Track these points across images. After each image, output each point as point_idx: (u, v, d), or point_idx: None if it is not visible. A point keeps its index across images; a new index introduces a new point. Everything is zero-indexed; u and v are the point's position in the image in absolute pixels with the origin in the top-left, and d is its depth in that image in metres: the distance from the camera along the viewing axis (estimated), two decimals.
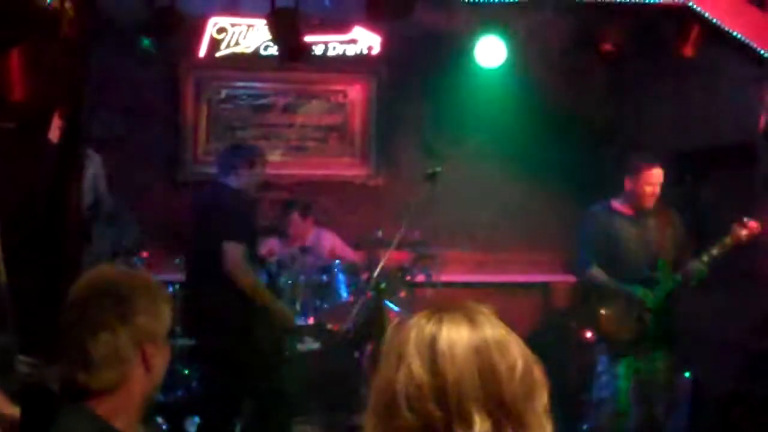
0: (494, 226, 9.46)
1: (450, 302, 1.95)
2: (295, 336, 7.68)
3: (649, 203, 6.76)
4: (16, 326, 3.56)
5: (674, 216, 6.90)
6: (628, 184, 6.79)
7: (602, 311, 6.82)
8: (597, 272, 6.82)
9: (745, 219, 6.56)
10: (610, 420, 6.84)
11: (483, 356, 1.82)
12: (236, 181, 6.77)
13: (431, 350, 1.84)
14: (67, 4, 5.19)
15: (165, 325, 2.64)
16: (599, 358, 6.88)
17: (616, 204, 6.90)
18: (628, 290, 6.71)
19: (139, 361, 2.57)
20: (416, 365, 1.84)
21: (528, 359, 1.86)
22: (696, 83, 8.34)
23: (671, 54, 7.46)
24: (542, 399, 1.85)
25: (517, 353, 1.85)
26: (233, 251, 6.49)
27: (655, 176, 6.71)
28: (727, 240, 6.55)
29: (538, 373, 1.87)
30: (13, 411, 3.37)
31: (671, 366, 6.85)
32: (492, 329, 1.86)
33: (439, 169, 6.51)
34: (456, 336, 1.84)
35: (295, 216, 8.62)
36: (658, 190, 6.73)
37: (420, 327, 1.88)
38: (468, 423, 1.79)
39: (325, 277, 8.14)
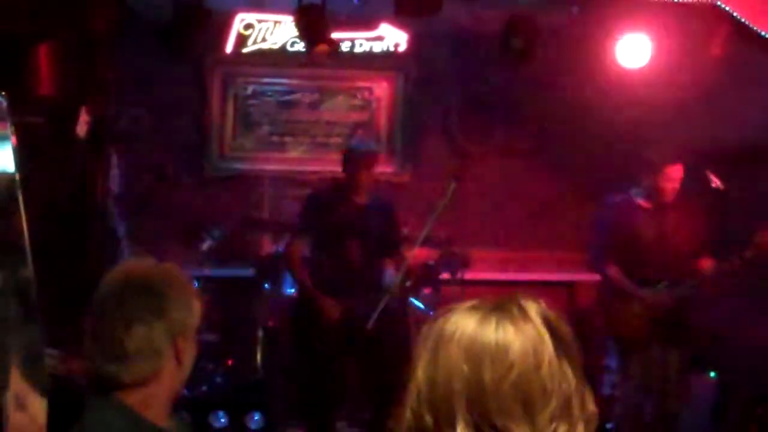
0: (520, 224, 9.46)
1: (505, 297, 1.87)
2: None
3: (669, 198, 6.73)
4: (43, 319, 3.58)
5: (694, 206, 6.84)
6: (647, 180, 6.75)
7: (615, 311, 6.81)
8: (613, 270, 6.80)
9: None
10: (623, 417, 6.83)
11: (472, 362, 1.75)
12: None
13: (434, 352, 1.80)
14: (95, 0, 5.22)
15: (196, 319, 2.66)
16: (611, 355, 6.86)
17: (636, 197, 6.86)
18: (642, 291, 6.68)
19: (172, 354, 2.59)
20: (421, 367, 1.80)
21: (528, 366, 1.75)
22: (724, 82, 8.29)
23: (699, 52, 7.43)
24: (548, 409, 1.74)
25: (514, 360, 1.74)
26: None
27: (675, 173, 6.67)
28: (750, 250, 6.49)
29: (546, 380, 1.75)
30: (40, 407, 3.40)
31: (685, 360, 6.81)
32: (497, 333, 1.77)
33: (460, 173, 6.56)
34: (456, 337, 1.78)
35: None
36: (678, 186, 6.69)
37: (439, 325, 1.83)
38: (453, 431, 1.74)
39: None
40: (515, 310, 1.82)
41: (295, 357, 7.23)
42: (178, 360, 2.60)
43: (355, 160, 6.88)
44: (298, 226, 7.19)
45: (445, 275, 7.95)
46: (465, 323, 1.81)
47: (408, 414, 1.80)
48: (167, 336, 2.57)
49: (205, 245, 8.15)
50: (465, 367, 1.76)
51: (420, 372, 1.80)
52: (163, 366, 2.58)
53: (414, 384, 1.81)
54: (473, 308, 1.84)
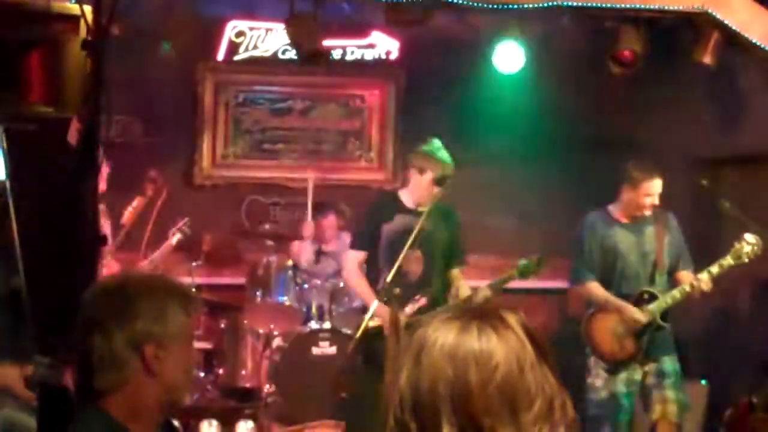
0: (512, 231, 9.45)
1: (482, 308, 1.91)
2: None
3: (647, 212, 6.72)
4: (34, 329, 3.57)
5: (671, 220, 6.84)
6: (626, 193, 6.73)
7: (599, 327, 6.79)
8: (594, 287, 6.78)
9: (747, 236, 6.47)
10: None
11: (457, 366, 1.76)
12: None
13: (416, 359, 1.81)
14: (86, 7, 5.21)
15: (173, 327, 2.59)
16: (597, 372, 6.80)
17: (614, 211, 6.84)
18: (622, 309, 6.66)
19: (139, 364, 2.54)
20: (404, 375, 1.82)
21: (513, 369, 1.77)
22: (715, 90, 8.31)
23: (690, 61, 7.43)
24: (532, 411, 1.76)
25: (498, 364, 1.77)
26: None
27: (655, 187, 6.64)
28: (729, 260, 6.47)
29: (530, 383, 1.78)
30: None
31: (678, 368, 6.79)
32: (480, 340, 1.79)
33: (449, 173, 6.47)
34: (438, 344, 1.80)
35: (330, 217, 8.60)
36: (656, 200, 6.68)
37: (419, 333, 1.85)
38: None
39: (341, 282, 8.14)
40: (495, 320, 1.84)
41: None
42: (149, 370, 2.54)
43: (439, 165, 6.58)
44: (354, 239, 7.03)
45: None
46: (446, 331, 1.82)
47: (391, 422, 1.81)
48: (129, 345, 2.52)
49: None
50: (449, 371, 1.77)
51: (403, 379, 1.82)
52: (130, 375, 2.53)
53: (397, 392, 1.82)
54: (452, 318, 1.86)
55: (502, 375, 1.76)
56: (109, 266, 7.14)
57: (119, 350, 2.52)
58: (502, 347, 1.79)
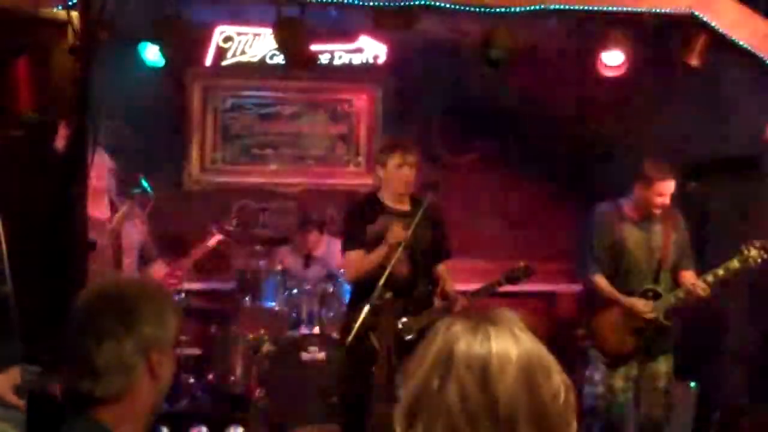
0: (500, 234, 9.46)
1: (486, 311, 1.93)
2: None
3: (658, 211, 6.73)
4: (21, 335, 3.56)
5: (678, 219, 6.85)
6: (638, 191, 6.73)
7: (601, 321, 6.80)
8: (601, 280, 6.79)
9: (757, 242, 6.47)
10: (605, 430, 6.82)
11: (529, 376, 1.82)
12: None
13: (484, 370, 1.83)
14: (74, 13, 5.20)
15: (171, 333, 2.61)
16: (596, 365, 6.84)
17: (625, 206, 6.85)
18: (628, 304, 6.68)
19: (145, 369, 2.55)
20: (469, 383, 1.82)
21: (565, 381, 1.86)
22: (701, 93, 8.32)
23: (677, 63, 7.45)
24: (574, 423, 1.85)
25: (556, 375, 1.85)
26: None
27: (667, 188, 6.65)
28: (735, 263, 6.47)
29: (572, 396, 1.86)
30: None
31: (671, 369, 6.82)
32: (531, 344, 1.86)
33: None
34: (505, 355, 1.83)
35: (314, 234, 8.60)
36: (668, 201, 6.69)
37: (468, 342, 1.86)
38: None
39: (330, 287, 8.14)
40: (511, 327, 1.90)
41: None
42: (153, 375, 2.56)
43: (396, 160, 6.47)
44: (346, 240, 6.82)
45: None
46: (504, 342, 1.86)
47: (465, 429, 1.82)
48: (138, 350, 2.53)
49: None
50: (523, 380, 1.82)
51: (474, 391, 1.82)
52: (136, 381, 2.54)
53: (464, 401, 1.82)
54: (475, 325, 1.89)
55: (563, 387, 1.85)
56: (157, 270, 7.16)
57: (128, 356, 2.52)
58: (546, 351, 1.89)
